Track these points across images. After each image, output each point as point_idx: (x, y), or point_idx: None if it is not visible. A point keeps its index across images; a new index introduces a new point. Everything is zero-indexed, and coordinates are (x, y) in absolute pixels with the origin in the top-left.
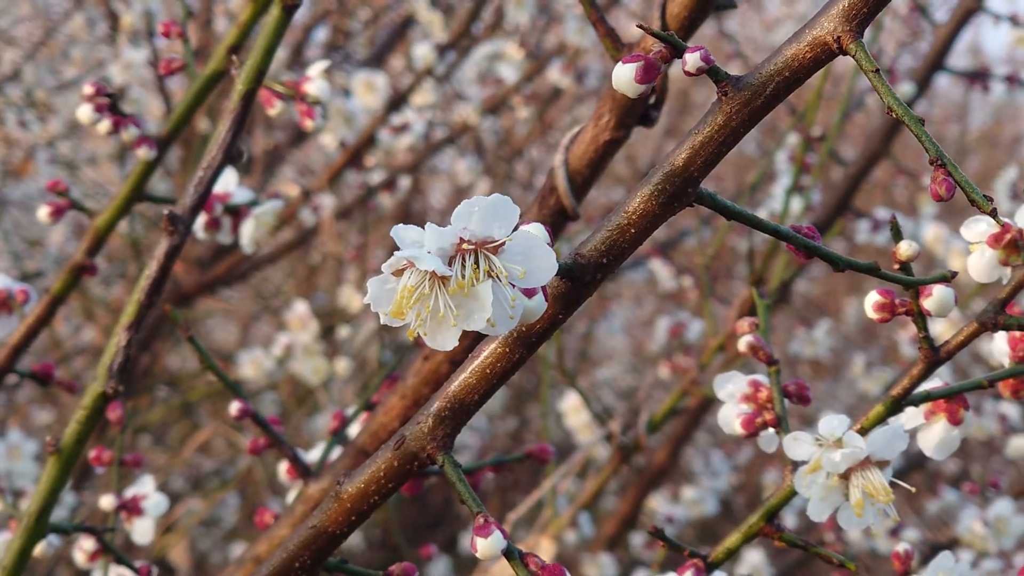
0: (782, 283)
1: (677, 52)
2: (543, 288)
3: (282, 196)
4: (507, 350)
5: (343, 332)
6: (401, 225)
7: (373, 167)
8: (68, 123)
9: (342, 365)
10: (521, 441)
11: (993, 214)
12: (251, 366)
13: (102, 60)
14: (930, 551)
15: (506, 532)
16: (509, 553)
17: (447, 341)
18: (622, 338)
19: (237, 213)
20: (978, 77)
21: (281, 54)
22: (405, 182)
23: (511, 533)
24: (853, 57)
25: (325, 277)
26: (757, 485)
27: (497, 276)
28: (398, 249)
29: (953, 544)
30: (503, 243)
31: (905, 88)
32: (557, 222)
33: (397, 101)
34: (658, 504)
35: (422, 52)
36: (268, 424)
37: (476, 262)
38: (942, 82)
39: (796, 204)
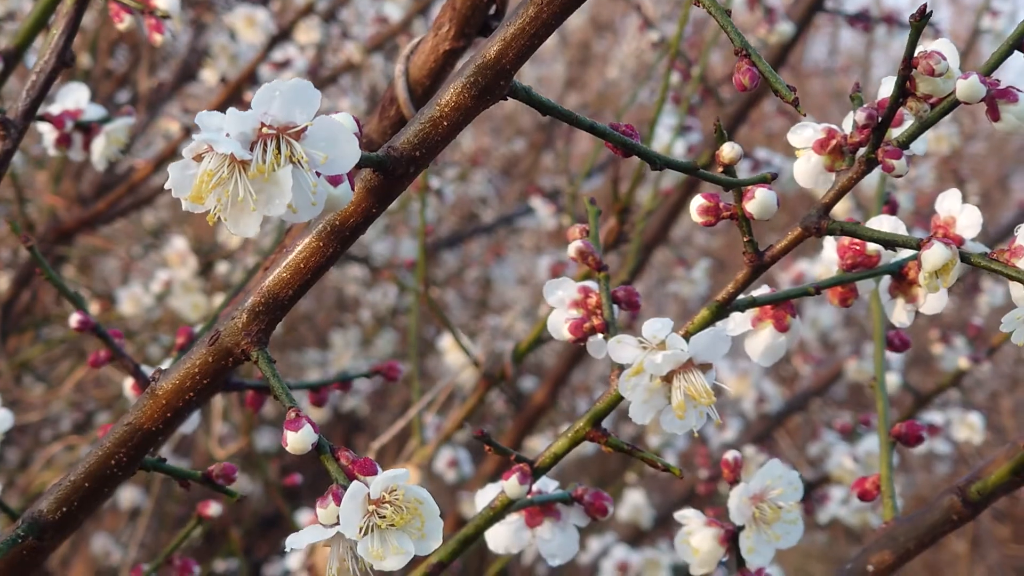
0: (649, 213)
1: None
2: (349, 177)
3: (162, 131)
4: (320, 244)
5: (222, 268)
6: (205, 111)
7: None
8: None
9: (220, 301)
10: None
11: (795, 104)
12: (130, 302)
13: None
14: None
15: (316, 426)
16: (320, 447)
17: (248, 227)
18: (521, 288)
19: (88, 130)
20: (858, 19)
21: None
22: None
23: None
24: None
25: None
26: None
27: (299, 162)
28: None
29: (824, 480)
30: (305, 128)
31: (784, 27)
32: (397, 133)
33: (280, 37)
34: (538, 444)
35: None
36: (109, 337)
37: (278, 148)
38: (845, 37)
39: (666, 137)
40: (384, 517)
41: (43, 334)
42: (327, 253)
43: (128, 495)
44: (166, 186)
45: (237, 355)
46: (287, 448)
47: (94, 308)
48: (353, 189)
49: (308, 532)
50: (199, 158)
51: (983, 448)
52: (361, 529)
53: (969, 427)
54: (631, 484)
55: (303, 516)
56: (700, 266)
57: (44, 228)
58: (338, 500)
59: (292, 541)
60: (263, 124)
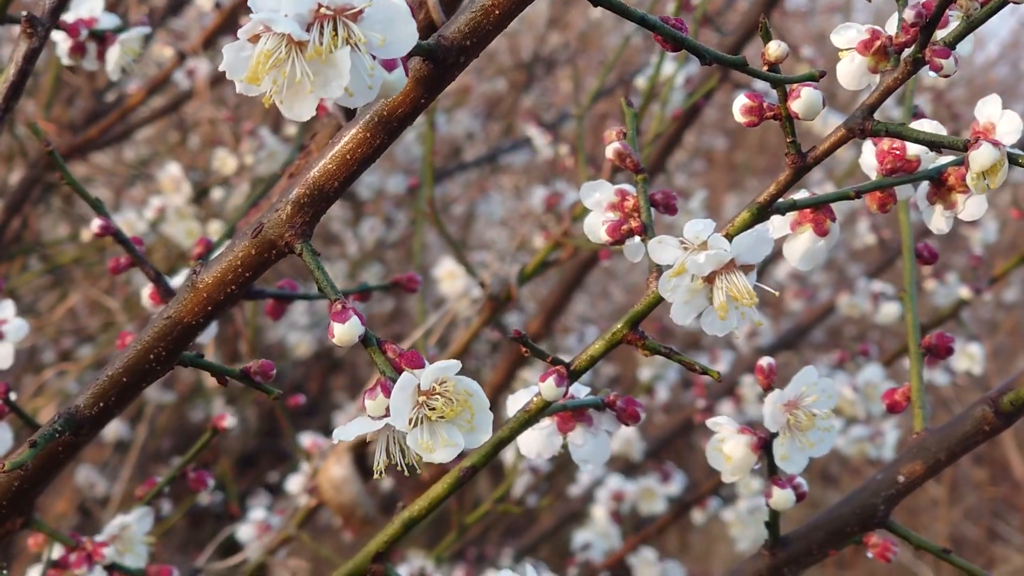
0: (658, 135)
1: None
2: (403, 62)
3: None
4: (368, 135)
5: (217, 194)
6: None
7: None
8: None
9: (215, 228)
10: (399, 322)
11: None
12: (123, 229)
13: None
14: None
15: (363, 318)
16: (367, 339)
17: (304, 110)
18: (500, 229)
19: (103, 39)
20: None
21: None
22: None
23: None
24: None
25: (198, 140)
26: (627, 352)
27: (356, 44)
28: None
29: None
30: (362, 10)
31: None
32: (426, 38)
33: None
34: (531, 375)
35: None
36: (130, 242)
37: (335, 30)
38: None
39: (668, 68)
40: (434, 409)
41: (31, 264)
42: (374, 144)
43: (113, 427)
44: (220, 67)
45: (280, 247)
46: (333, 340)
47: (86, 235)
48: (407, 75)
49: (356, 424)
50: (255, 39)
51: (962, 392)
52: (411, 421)
53: (969, 357)
54: None
55: (305, 439)
56: (698, 197)
57: (35, 154)
58: (387, 392)
59: (340, 433)
60: (320, 5)
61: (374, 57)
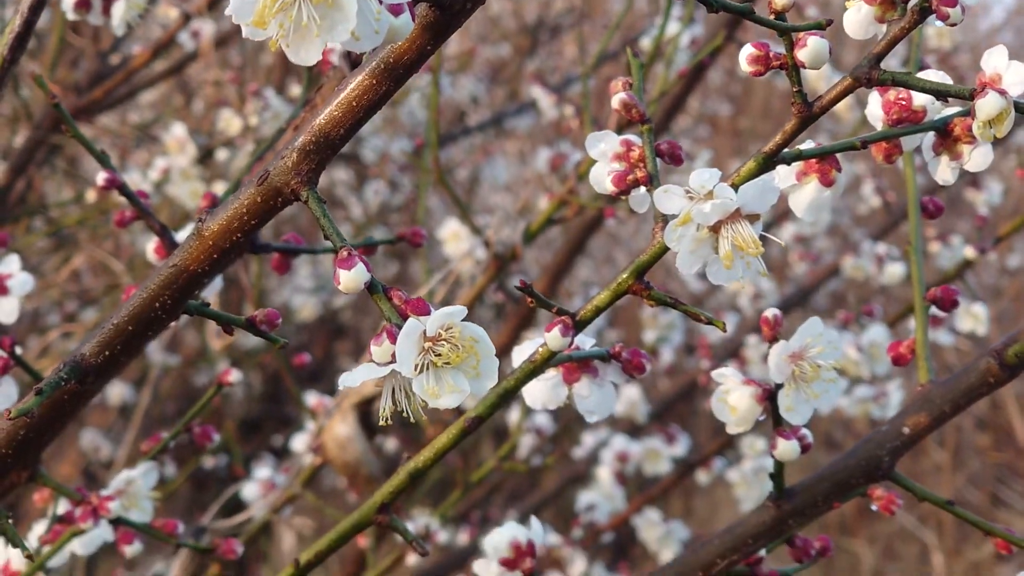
0: (662, 94)
1: None
2: (410, 7)
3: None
4: (374, 82)
5: (222, 155)
6: None
7: None
8: None
9: (220, 188)
10: (403, 284)
11: None
12: None
13: None
14: None
15: (370, 265)
16: (372, 287)
17: (310, 54)
18: (505, 194)
19: None
20: None
21: None
22: None
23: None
24: None
25: (202, 102)
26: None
27: None
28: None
29: None
30: None
31: None
32: None
33: None
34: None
35: None
36: (136, 196)
37: None
38: None
39: (673, 28)
40: (440, 355)
41: (35, 226)
42: (380, 91)
43: (117, 391)
44: (227, 11)
45: (287, 195)
46: (339, 287)
47: (91, 196)
48: (414, 20)
49: (362, 370)
50: None
51: (966, 357)
52: (417, 367)
53: (974, 317)
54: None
55: (310, 398)
56: (703, 157)
57: (40, 115)
58: (393, 338)
59: (346, 378)
60: None
61: (380, 2)
